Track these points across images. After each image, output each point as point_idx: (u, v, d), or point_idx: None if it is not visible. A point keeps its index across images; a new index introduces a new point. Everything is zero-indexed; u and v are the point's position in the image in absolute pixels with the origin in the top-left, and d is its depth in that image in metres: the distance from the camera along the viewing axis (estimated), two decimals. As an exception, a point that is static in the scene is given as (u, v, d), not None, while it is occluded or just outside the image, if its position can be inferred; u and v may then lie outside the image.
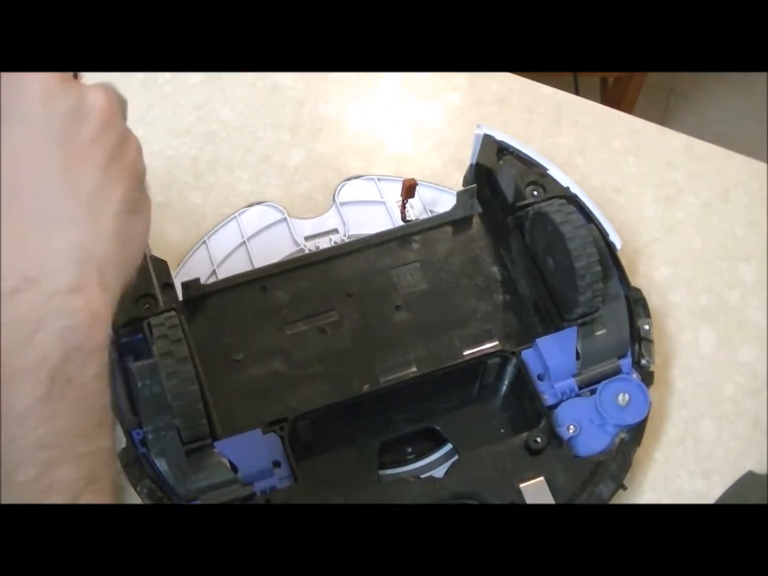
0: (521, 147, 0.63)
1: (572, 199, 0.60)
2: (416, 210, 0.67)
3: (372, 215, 0.68)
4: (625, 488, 0.54)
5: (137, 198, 0.40)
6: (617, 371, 0.57)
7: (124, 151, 0.39)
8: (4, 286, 0.33)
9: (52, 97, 0.36)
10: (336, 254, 0.62)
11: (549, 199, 0.59)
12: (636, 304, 0.59)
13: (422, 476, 0.56)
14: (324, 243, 0.66)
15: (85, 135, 0.37)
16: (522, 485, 0.52)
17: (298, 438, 0.55)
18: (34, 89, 0.36)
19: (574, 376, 0.56)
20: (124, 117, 0.41)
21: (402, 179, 0.65)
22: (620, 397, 0.54)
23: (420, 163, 0.72)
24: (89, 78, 0.69)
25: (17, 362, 0.33)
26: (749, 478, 0.58)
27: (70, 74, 0.38)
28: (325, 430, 0.56)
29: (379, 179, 0.70)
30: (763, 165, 0.73)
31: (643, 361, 0.58)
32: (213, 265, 0.65)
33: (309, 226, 0.67)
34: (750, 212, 0.70)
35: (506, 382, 0.59)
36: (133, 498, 0.51)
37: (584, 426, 0.55)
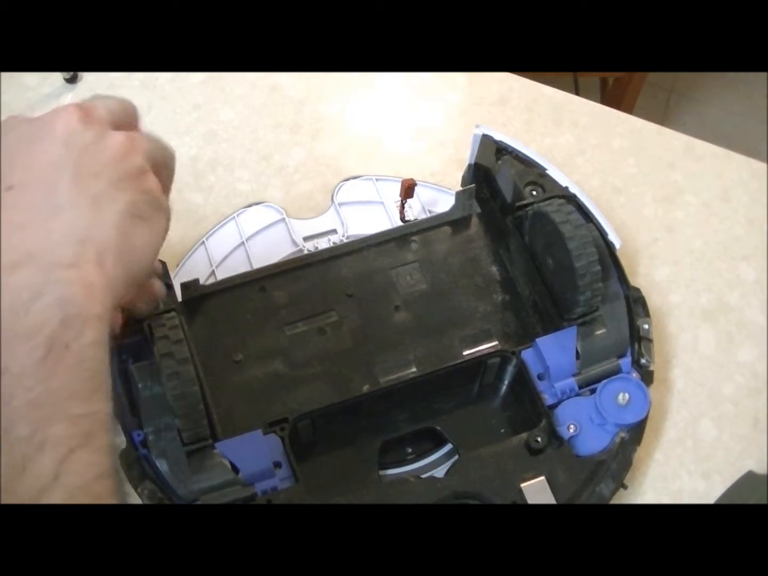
0: (520, 147, 0.63)
1: (571, 199, 0.60)
2: (415, 210, 0.67)
3: (371, 215, 0.68)
4: (625, 487, 0.54)
5: (145, 210, 0.43)
6: (617, 371, 0.57)
7: (136, 178, 0.43)
8: (7, 260, 0.37)
9: (74, 130, 0.41)
10: (335, 254, 0.62)
11: (548, 198, 0.59)
12: (635, 303, 0.59)
13: (423, 476, 0.56)
14: (323, 243, 0.66)
15: (97, 161, 0.41)
16: (523, 485, 0.52)
17: (299, 438, 0.55)
18: (60, 123, 0.41)
19: (574, 375, 0.56)
20: (159, 163, 0.45)
21: (401, 179, 0.65)
22: (620, 397, 0.54)
23: (419, 163, 0.71)
24: (89, 78, 0.69)
25: (16, 328, 0.36)
26: (749, 478, 0.58)
27: (89, 113, 0.43)
28: (325, 431, 0.56)
29: (377, 179, 0.70)
30: (763, 165, 0.73)
31: (643, 361, 0.58)
32: (212, 266, 0.65)
33: (308, 227, 0.67)
34: (750, 212, 0.70)
35: (506, 382, 0.59)
36: (134, 499, 0.51)
37: (584, 425, 0.55)
